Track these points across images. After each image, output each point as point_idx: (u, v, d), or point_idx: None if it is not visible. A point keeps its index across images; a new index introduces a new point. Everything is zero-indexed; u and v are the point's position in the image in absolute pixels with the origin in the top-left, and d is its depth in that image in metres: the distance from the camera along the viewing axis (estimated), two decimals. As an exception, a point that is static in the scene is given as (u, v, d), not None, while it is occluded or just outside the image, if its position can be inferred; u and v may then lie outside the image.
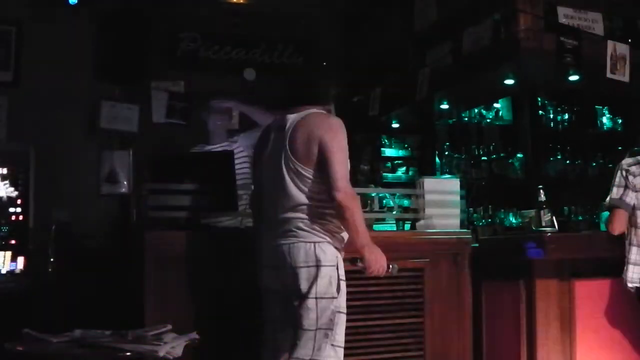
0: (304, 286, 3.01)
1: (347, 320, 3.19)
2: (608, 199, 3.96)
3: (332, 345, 3.03)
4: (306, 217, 3.04)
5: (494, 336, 4.15)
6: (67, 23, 5.52)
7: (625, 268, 3.84)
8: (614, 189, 3.92)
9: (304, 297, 3.01)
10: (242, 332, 3.57)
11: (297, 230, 3.04)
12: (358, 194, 3.43)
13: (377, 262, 3.08)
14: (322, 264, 3.01)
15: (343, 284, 3.08)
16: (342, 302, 3.07)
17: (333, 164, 3.00)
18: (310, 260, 3.02)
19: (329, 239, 3.07)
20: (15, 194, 4.80)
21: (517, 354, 3.95)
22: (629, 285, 3.82)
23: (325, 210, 3.05)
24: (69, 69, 5.46)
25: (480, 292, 4.19)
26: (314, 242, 3.03)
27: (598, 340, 3.97)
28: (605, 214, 4.13)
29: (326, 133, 3.05)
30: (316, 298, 3.00)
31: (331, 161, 3.00)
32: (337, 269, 3.07)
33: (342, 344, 3.09)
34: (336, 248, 3.10)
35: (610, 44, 4.70)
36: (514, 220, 5.70)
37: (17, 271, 4.65)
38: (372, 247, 3.08)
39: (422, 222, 4.15)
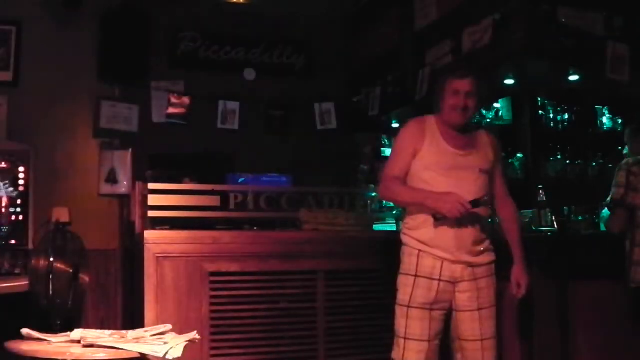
0: None
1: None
2: (609, 198, 3.96)
3: (395, 336, 3.35)
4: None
5: (494, 336, 4.15)
6: (67, 23, 5.51)
7: (628, 269, 3.82)
8: (615, 189, 3.91)
9: None
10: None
11: None
12: (358, 193, 3.51)
13: (444, 205, 3.22)
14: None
15: (402, 278, 3.36)
16: (399, 295, 3.36)
17: None
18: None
19: (401, 236, 3.46)
20: (15, 194, 4.80)
21: (517, 354, 3.95)
22: (633, 285, 3.81)
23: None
24: (69, 69, 5.45)
25: (480, 292, 4.18)
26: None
27: (598, 341, 3.97)
28: (606, 213, 4.13)
29: None
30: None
31: None
32: (401, 263, 3.40)
33: (401, 335, 3.31)
34: (405, 245, 3.40)
35: (610, 44, 4.69)
36: (514, 220, 5.68)
37: (17, 271, 4.65)
38: (429, 199, 3.27)
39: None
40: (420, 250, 3.31)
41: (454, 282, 3.32)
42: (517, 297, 3.46)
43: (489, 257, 3.42)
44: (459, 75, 3.41)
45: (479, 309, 3.32)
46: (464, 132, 3.43)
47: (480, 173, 3.38)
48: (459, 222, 3.27)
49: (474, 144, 3.44)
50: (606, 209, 4.12)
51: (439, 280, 3.29)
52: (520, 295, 3.45)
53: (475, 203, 3.24)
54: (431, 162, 3.35)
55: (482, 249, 3.37)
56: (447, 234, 3.29)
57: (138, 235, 4.21)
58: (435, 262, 3.29)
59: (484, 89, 3.51)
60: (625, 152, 4.70)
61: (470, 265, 3.33)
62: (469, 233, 3.32)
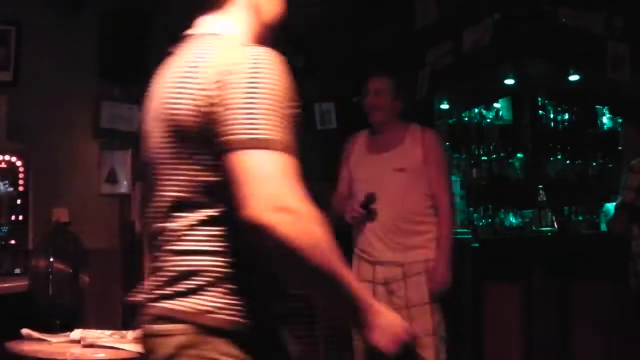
0: None
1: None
2: (619, 201, 3.88)
3: None
4: None
5: (494, 337, 4.16)
6: (67, 23, 5.51)
7: (634, 269, 3.80)
8: (627, 192, 3.82)
9: None
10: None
11: None
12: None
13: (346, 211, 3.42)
14: None
15: None
16: None
17: None
18: None
19: None
20: (15, 194, 4.79)
21: (517, 354, 3.96)
22: None
23: None
24: (69, 69, 5.45)
25: (480, 292, 4.19)
26: None
27: (597, 340, 3.97)
28: (608, 207, 4.11)
29: None
30: None
31: None
32: None
33: None
34: None
35: (610, 44, 4.69)
36: (514, 220, 5.70)
37: (17, 271, 4.64)
38: None
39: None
40: (358, 256, 3.35)
41: (386, 283, 3.31)
42: (432, 290, 3.31)
43: (424, 254, 3.34)
44: (372, 75, 3.54)
45: (408, 307, 3.27)
46: (390, 131, 3.44)
47: (397, 172, 3.33)
48: (382, 222, 3.29)
49: (396, 144, 3.42)
50: (610, 208, 4.10)
51: (374, 282, 3.30)
52: (433, 288, 3.31)
53: (365, 203, 3.26)
54: (353, 170, 3.41)
55: (413, 243, 3.32)
56: (371, 236, 3.32)
57: (138, 235, 4.21)
58: (369, 266, 3.31)
59: (401, 88, 3.52)
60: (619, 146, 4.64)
61: (401, 264, 3.30)
62: (393, 230, 3.31)
